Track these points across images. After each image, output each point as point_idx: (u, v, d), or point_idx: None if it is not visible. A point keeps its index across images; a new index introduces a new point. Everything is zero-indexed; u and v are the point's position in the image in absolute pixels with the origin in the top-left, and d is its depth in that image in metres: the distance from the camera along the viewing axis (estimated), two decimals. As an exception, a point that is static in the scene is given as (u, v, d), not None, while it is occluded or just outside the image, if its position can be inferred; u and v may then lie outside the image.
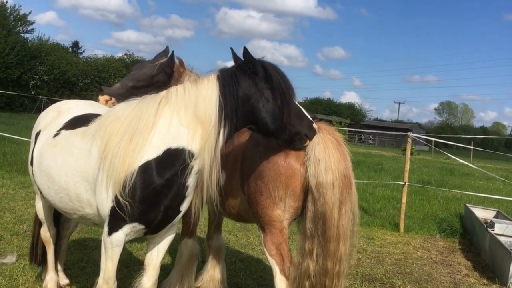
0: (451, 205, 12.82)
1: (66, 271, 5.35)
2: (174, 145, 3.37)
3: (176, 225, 3.85)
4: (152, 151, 3.37)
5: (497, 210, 10.39)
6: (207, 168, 3.40)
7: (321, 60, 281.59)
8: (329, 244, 3.75)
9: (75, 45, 74.82)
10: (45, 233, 4.79)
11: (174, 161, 3.37)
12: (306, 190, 3.84)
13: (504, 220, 8.99)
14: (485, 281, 6.86)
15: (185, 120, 3.39)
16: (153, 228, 3.61)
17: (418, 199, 13.21)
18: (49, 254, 4.85)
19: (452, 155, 13.84)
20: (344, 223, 3.77)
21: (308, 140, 3.69)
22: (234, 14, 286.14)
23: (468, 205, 10.55)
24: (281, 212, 3.93)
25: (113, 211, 3.43)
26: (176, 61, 5.01)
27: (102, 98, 4.74)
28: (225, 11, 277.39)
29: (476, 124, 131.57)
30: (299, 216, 4.03)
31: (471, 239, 9.15)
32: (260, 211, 3.97)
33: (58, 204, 4.00)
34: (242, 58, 3.56)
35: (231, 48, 3.79)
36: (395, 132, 37.68)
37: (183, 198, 3.53)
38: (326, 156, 3.75)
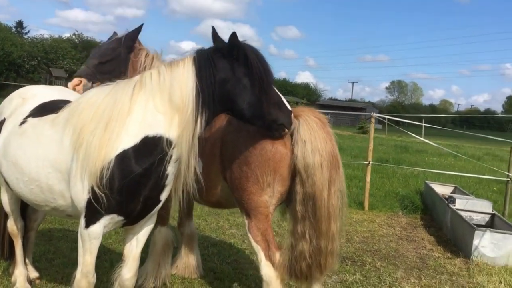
0: (410, 182, 13.22)
1: (34, 264, 5.15)
2: (151, 133, 3.24)
3: (155, 214, 3.75)
4: (129, 140, 3.24)
5: (455, 185, 10.81)
6: (185, 156, 3.30)
7: (275, 40, 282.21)
8: (321, 224, 3.78)
9: (19, 24, 71.52)
10: (12, 226, 4.57)
11: (152, 149, 3.25)
12: (294, 174, 3.83)
13: (464, 196, 9.35)
14: (449, 254, 7.13)
15: (161, 107, 3.25)
16: (132, 219, 3.51)
17: (379, 177, 13.52)
18: (17, 248, 4.64)
19: (404, 133, 14.20)
20: (334, 203, 3.81)
21: (286, 130, 3.63)
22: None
23: (427, 182, 10.89)
24: (268, 198, 3.90)
25: (89, 203, 3.30)
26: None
27: (71, 84, 4.61)
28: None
29: (425, 102, 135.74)
30: (284, 201, 4.02)
31: (432, 214, 9.47)
32: (246, 197, 3.92)
33: (28, 196, 3.80)
34: (224, 40, 3.43)
35: (213, 27, 3.60)
36: (357, 113, 38.38)
37: (162, 187, 3.43)
38: (311, 137, 3.75)
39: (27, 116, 3.90)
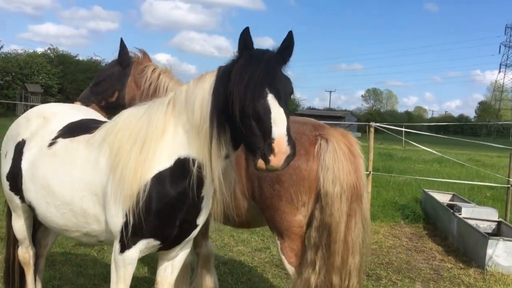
0: (405, 190, 13.20)
1: (42, 292, 4.85)
2: (182, 154, 3.05)
3: (191, 240, 3.54)
4: (164, 161, 3.06)
5: (453, 193, 10.81)
6: (209, 178, 3.01)
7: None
8: (334, 258, 3.62)
9: (-9, 40, 69.77)
10: (24, 254, 4.28)
11: (184, 171, 3.04)
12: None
13: (466, 203, 9.32)
14: (461, 265, 7.05)
15: (188, 125, 3.04)
16: (168, 244, 3.31)
17: (373, 186, 13.42)
18: (29, 277, 4.35)
19: (383, 140, 14.22)
20: (353, 236, 3.66)
21: (267, 163, 2.60)
22: (160, 5, 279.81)
23: (425, 190, 10.86)
24: (302, 218, 3.75)
25: (125, 227, 3.11)
26: (138, 52, 4.88)
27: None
28: (151, 2, 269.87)
29: (400, 109, 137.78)
30: None
31: (435, 223, 9.41)
32: (278, 217, 3.75)
33: (58, 221, 3.56)
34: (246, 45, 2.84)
35: (247, 28, 2.87)
36: (337, 122, 38.59)
37: (199, 210, 3.22)
38: (335, 166, 3.61)
39: (56, 137, 3.68)
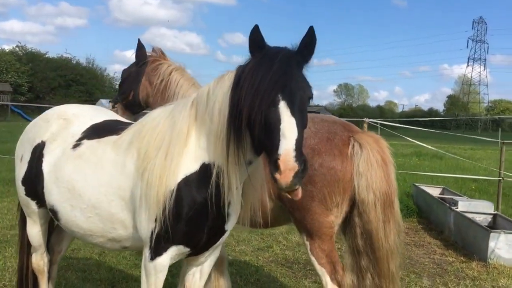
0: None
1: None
2: (206, 159, 2.95)
3: (220, 245, 3.45)
4: (189, 166, 2.96)
5: (443, 187, 10.97)
6: (226, 183, 2.87)
7: (223, 46, 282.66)
8: (382, 264, 3.67)
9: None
10: (39, 262, 4.13)
11: (210, 176, 2.91)
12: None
13: (462, 197, 9.46)
14: (462, 258, 7.14)
15: (208, 130, 2.91)
16: (198, 250, 3.21)
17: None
18: (43, 285, 4.20)
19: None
20: (390, 242, 3.69)
21: (275, 182, 2.44)
22: (129, 1, 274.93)
23: (416, 184, 10.98)
24: (334, 218, 3.71)
25: (156, 233, 3.01)
26: (151, 50, 4.88)
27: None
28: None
29: (371, 103, 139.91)
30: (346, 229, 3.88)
31: (428, 217, 9.52)
32: (310, 218, 3.69)
33: (82, 225, 3.41)
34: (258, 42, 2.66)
35: (256, 25, 2.67)
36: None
37: (227, 216, 3.12)
38: (368, 173, 3.62)
39: (81, 138, 3.54)
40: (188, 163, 2.96)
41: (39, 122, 3.91)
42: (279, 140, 2.40)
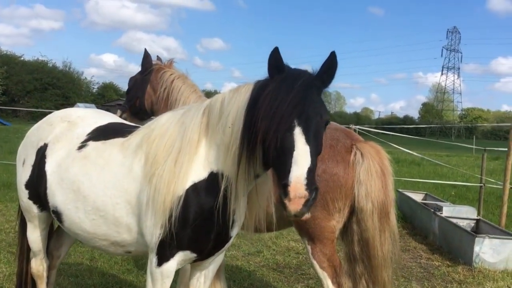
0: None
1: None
2: (215, 168, 2.98)
3: (225, 250, 3.50)
4: (198, 173, 2.99)
5: (426, 192, 11.21)
6: (233, 193, 2.92)
7: (200, 51, 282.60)
8: (376, 272, 3.79)
9: None
10: (38, 267, 4.10)
11: (217, 185, 2.95)
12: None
13: (445, 202, 9.68)
14: (448, 262, 7.31)
15: (219, 140, 2.94)
16: (204, 256, 3.25)
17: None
18: (42, 291, 4.16)
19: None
20: (385, 251, 3.81)
21: (283, 207, 2.43)
22: (106, 4, 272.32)
23: (400, 190, 11.19)
24: (336, 223, 3.80)
25: (162, 239, 3.02)
26: (165, 60, 5.07)
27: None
28: (97, 1, 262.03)
29: (348, 110, 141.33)
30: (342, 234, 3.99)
31: (412, 222, 9.71)
32: (311, 222, 3.77)
33: (86, 228, 3.39)
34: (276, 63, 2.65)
35: (276, 48, 2.69)
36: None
37: (232, 223, 3.15)
38: (367, 181, 3.73)
39: (86, 140, 3.53)
40: (197, 170, 2.98)
41: (43, 125, 3.90)
42: (291, 166, 2.40)
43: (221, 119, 2.90)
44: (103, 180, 3.27)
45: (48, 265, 4.19)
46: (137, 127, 3.53)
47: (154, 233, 3.04)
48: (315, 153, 2.49)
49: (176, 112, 3.30)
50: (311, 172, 2.41)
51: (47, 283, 4.33)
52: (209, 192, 2.97)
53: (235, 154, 2.78)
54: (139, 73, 4.97)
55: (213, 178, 2.97)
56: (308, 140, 2.45)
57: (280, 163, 2.48)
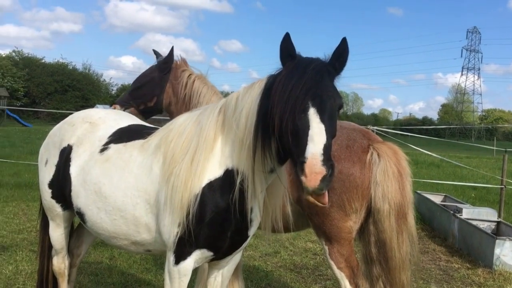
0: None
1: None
2: (230, 165, 3.00)
3: (242, 249, 3.52)
4: (214, 171, 3.01)
5: (445, 194, 11.08)
6: (251, 189, 2.93)
7: (218, 53, 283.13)
8: (393, 273, 3.76)
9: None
10: (60, 265, 4.18)
11: (232, 182, 2.98)
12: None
13: (465, 204, 9.56)
14: (468, 265, 7.22)
15: (234, 135, 2.96)
16: (221, 255, 3.27)
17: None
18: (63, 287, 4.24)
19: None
20: (402, 253, 3.78)
21: (303, 181, 2.42)
22: (126, 7, 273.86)
23: (419, 191, 11.08)
24: (353, 224, 3.79)
25: (179, 238, 3.06)
26: (178, 58, 4.93)
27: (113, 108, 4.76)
28: (116, 4, 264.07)
29: (366, 111, 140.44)
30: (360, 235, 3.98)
31: (431, 224, 9.62)
32: (328, 223, 3.77)
33: (108, 228, 3.46)
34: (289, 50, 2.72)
35: (287, 33, 2.75)
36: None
37: (249, 222, 3.17)
38: (384, 182, 3.71)
39: (108, 142, 3.60)
40: (213, 168, 3.01)
41: (65, 126, 3.97)
42: (306, 144, 2.43)
43: (235, 114, 2.93)
44: (124, 181, 3.33)
45: (69, 263, 4.26)
46: (156, 129, 3.58)
47: (171, 232, 3.08)
48: (330, 133, 2.51)
49: (193, 112, 3.34)
50: (327, 149, 2.43)
51: (68, 281, 4.40)
52: (224, 190, 3.00)
53: (249, 147, 2.81)
54: (154, 69, 4.83)
55: (229, 175, 2.99)
56: (322, 120, 2.48)
57: (296, 144, 2.50)
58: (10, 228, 8.02)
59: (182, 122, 3.28)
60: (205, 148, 3.00)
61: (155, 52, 5.08)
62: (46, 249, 4.28)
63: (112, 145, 3.56)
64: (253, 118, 2.80)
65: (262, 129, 2.75)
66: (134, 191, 3.27)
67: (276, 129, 2.60)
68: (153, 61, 5.04)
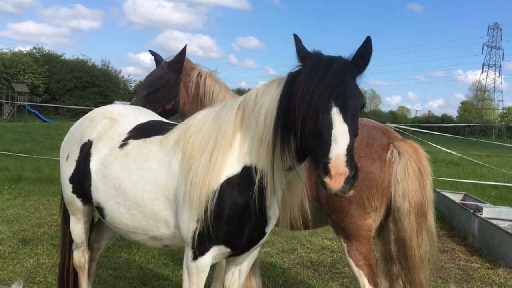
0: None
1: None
2: (248, 161, 3.01)
3: (260, 245, 3.52)
4: (232, 168, 3.02)
5: (464, 193, 10.94)
6: (270, 187, 2.92)
7: (235, 50, 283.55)
8: (413, 272, 3.74)
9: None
10: (80, 258, 4.24)
11: (250, 179, 2.98)
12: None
13: (485, 203, 9.43)
14: (488, 265, 7.12)
15: (253, 133, 2.96)
16: (238, 251, 3.29)
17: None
18: (84, 281, 4.30)
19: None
20: (421, 252, 3.75)
21: (324, 186, 2.42)
22: (144, 4, 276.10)
23: (438, 190, 10.95)
24: (372, 222, 3.77)
25: (198, 234, 3.08)
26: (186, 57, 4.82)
27: None
28: (134, 1, 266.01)
29: (384, 108, 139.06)
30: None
31: (451, 223, 9.50)
32: (347, 221, 3.75)
33: (127, 222, 3.49)
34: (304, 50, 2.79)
35: (294, 35, 2.86)
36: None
37: (267, 219, 3.18)
38: (404, 180, 3.67)
39: (127, 138, 3.63)
40: (231, 165, 3.02)
41: (85, 122, 4.01)
42: (330, 145, 2.42)
43: (254, 111, 2.94)
44: (143, 176, 3.36)
45: (89, 257, 4.32)
46: (175, 125, 3.60)
47: (190, 227, 3.11)
48: (353, 133, 2.50)
49: (212, 109, 3.35)
50: (350, 149, 2.42)
51: (88, 274, 4.46)
52: (242, 187, 3.01)
53: (268, 145, 2.81)
54: (166, 69, 4.68)
55: (247, 172, 3.00)
56: (345, 120, 2.48)
57: (318, 144, 2.49)
58: (31, 222, 8.16)
59: (201, 118, 3.30)
60: (223, 144, 3.01)
61: (153, 53, 4.97)
62: (67, 242, 4.34)
63: (131, 141, 3.59)
64: (273, 115, 2.80)
65: (282, 127, 2.74)
66: (153, 187, 3.30)
67: (298, 128, 2.59)
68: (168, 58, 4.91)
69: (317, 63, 2.63)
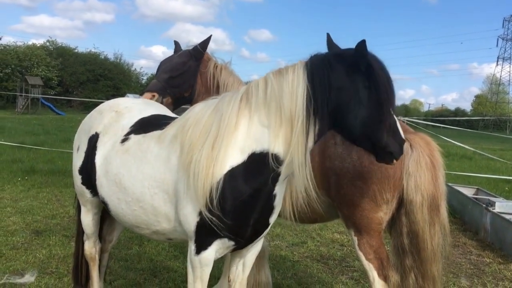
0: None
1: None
2: (258, 148, 2.95)
3: (263, 237, 3.51)
4: (236, 157, 2.97)
5: (477, 187, 10.84)
6: (297, 174, 2.92)
7: (248, 43, 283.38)
8: (425, 265, 3.73)
9: (-15, 32, 69.26)
10: (91, 249, 4.28)
11: (260, 167, 2.95)
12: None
13: (498, 198, 9.34)
14: (500, 260, 7.06)
15: (266, 119, 2.93)
16: (242, 244, 3.26)
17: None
18: (94, 272, 4.35)
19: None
20: (434, 245, 3.73)
21: (394, 160, 3.00)
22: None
23: (450, 184, 10.86)
24: (383, 215, 3.75)
25: (200, 227, 3.07)
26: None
27: (145, 96, 4.58)
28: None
29: (397, 101, 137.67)
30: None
31: (463, 218, 9.43)
32: (359, 214, 3.74)
33: (130, 218, 3.52)
34: (339, 47, 3.12)
35: (328, 34, 3.20)
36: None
37: (271, 209, 3.16)
38: (417, 173, 3.66)
39: (129, 133, 3.64)
40: (235, 154, 2.97)
41: (94, 114, 4.04)
42: (399, 134, 2.96)
43: (271, 100, 2.92)
44: (142, 172, 3.35)
45: (100, 248, 4.36)
46: (174, 118, 3.58)
47: (192, 221, 3.08)
48: None
49: (210, 101, 3.31)
50: None
51: (100, 265, 4.51)
52: (249, 176, 2.97)
53: (301, 130, 2.84)
54: (187, 55, 4.68)
55: (255, 160, 2.95)
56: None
57: (388, 131, 2.91)
58: (44, 213, 8.26)
59: (199, 110, 3.26)
60: (226, 134, 2.96)
61: (176, 43, 4.97)
62: (81, 233, 4.37)
63: (132, 136, 3.59)
64: (302, 100, 2.84)
65: (315, 105, 2.85)
66: (152, 182, 3.28)
67: (381, 117, 2.87)
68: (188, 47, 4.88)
69: (379, 61, 2.98)
